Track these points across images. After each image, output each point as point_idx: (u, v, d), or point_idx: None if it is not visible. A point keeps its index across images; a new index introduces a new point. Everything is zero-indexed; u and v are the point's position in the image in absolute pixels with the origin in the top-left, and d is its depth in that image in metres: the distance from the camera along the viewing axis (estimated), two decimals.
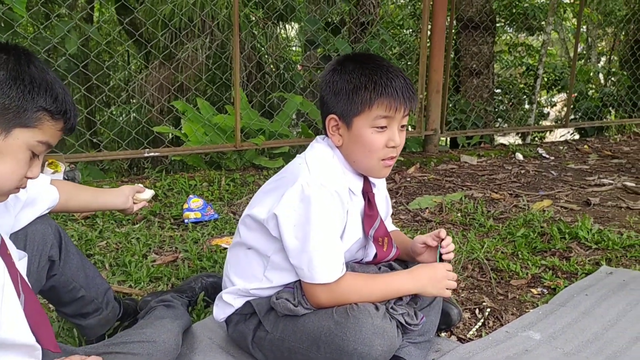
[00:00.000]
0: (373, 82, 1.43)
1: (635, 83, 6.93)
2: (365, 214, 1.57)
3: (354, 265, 1.59)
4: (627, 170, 4.16)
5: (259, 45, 4.75)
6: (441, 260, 1.58)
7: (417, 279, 1.50)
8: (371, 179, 1.60)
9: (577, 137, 6.85)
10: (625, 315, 1.83)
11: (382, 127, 1.45)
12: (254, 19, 4.70)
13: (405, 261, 1.75)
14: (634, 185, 3.64)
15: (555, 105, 9.90)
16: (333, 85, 1.48)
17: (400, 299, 1.53)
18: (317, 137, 1.59)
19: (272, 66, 5.03)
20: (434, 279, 1.50)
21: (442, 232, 1.59)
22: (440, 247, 1.59)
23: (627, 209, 3.15)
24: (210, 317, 1.77)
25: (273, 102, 4.32)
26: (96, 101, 4.36)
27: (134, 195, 1.75)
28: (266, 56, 5.20)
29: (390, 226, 1.86)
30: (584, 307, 1.89)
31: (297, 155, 1.57)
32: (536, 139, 7.80)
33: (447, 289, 1.51)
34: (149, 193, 1.85)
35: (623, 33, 8.55)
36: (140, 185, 1.82)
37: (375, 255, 1.61)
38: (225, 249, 2.44)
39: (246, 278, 1.56)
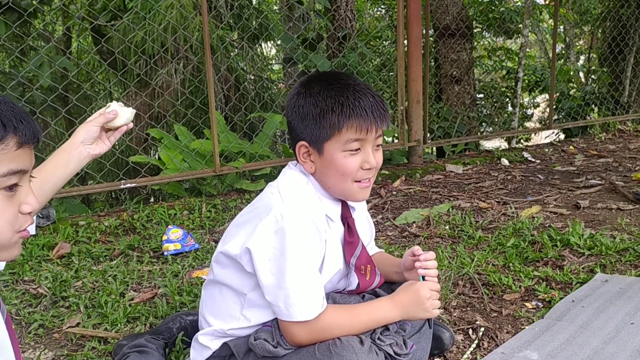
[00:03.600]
0: (340, 104, 1.34)
1: (615, 80, 6.94)
2: (346, 241, 1.49)
3: (335, 296, 1.50)
4: (614, 169, 4.11)
5: (235, 66, 4.68)
6: (424, 278, 1.49)
7: (400, 305, 1.42)
8: (350, 202, 1.52)
9: (562, 137, 6.83)
10: (624, 326, 1.75)
11: (355, 150, 1.37)
12: (227, 40, 4.63)
13: (393, 283, 1.67)
14: (622, 184, 3.59)
15: (538, 106, 9.92)
16: (299, 110, 1.40)
17: (387, 328, 1.44)
18: (290, 162, 1.51)
19: (250, 86, 4.96)
20: (417, 301, 1.41)
21: (416, 249, 1.50)
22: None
23: (617, 210, 3.08)
24: None
25: (252, 123, 4.24)
26: (67, 134, 4.25)
27: (105, 127, 1.46)
28: (244, 76, 5.14)
29: (374, 249, 1.77)
30: (582, 321, 1.81)
31: (269, 184, 1.49)
32: (522, 141, 7.77)
33: (434, 309, 1.43)
34: (125, 113, 1.45)
35: (600, 31, 8.59)
36: (110, 108, 1.43)
37: (358, 285, 1.53)
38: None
39: (222, 318, 1.46)
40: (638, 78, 6.80)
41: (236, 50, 4.84)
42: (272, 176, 3.92)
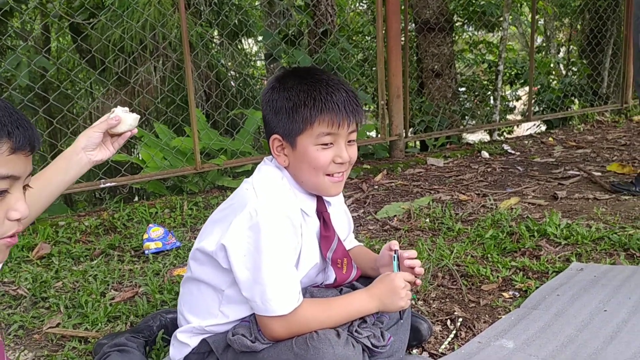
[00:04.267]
0: (312, 98, 1.36)
1: (594, 71, 7.03)
2: (322, 236, 1.50)
3: (313, 290, 1.52)
4: (592, 160, 4.17)
5: (214, 63, 4.66)
6: (399, 269, 1.51)
7: (376, 296, 1.44)
8: (325, 197, 1.53)
9: (543, 129, 6.90)
10: (598, 313, 1.79)
11: (327, 144, 1.38)
12: (207, 37, 4.61)
13: (370, 278, 1.69)
14: (600, 174, 3.65)
15: (520, 98, 10.01)
16: (273, 104, 1.41)
17: (364, 320, 1.46)
18: (265, 158, 1.52)
19: (231, 83, 4.94)
20: (392, 291, 1.43)
21: (393, 244, 1.54)
22: (396, 256, 1.52)
23: (594, 200, 3.14)
24: (167, 358, 1.67)
25: (233, 120, 4.23)
26: (59, 136, 4.22)
27: (110, 132, 1.44)
28: (225, 73, 5.12)
29: (353, 242, 1.79)
30: (556, 309, 1.84)
31: (244, 180, 1.50)
32: (504, 134, 7.84)
33: (408, 299, 1.45)
34: (129, 119, 1.43)
35: (579, 23, 8.69)
36: (113, 114, 1.40)
37: (335, 279, 1.54)
38: None
39: (200, 315, 1.47)
40: (615, 69, 6.89)
41: (216, 47, 4.83)
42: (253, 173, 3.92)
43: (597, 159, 4.19)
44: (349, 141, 1.43)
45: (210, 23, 4.62)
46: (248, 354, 1.37)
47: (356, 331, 1.41)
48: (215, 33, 4.83)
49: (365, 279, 1.66)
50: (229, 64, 5.12)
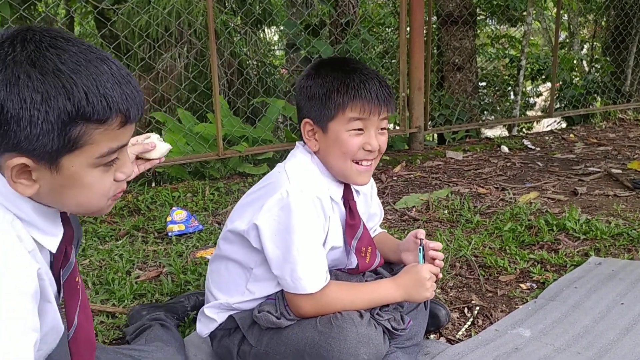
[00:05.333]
0: (346, 85, 1.41)
1: (617, 69, 6.95)
2: (347, 224, 1.54)
3: (338, 273, 1.56)
4: (613, 157, 4.15)
5: (238, 51, 4.71)
6: (424, 261, 1.55)
7: (402, 286, 1.48)
8: (354, 187, 1.56)
9: (564, 125, 6.86)
10: (615, 306, 1.81)
11: (358, 130, 1.43)
12: (231, 25, 4.65)
13: (392, 264, 1.73)
14: (620, 172, 3.64)
15: (540, 94, 9.92)
16: (307, 90, 1.46)
17: (386, 304, 1.50)
18: (297, 143, 1.56)
19: (253, 71, 4.99)
20: (418, 282, 1.47)
21: (420, 233, 1.57)
22: (422, 247, 1.56)
23: (614, 196, 3.13)
24: (194, 333, 1.73)
25: (255, 108, 4.28)
26: None
27: (140, 155, 1.41)
28: (247, 61, 5.16)
29: (378, 230, 1.83)
30: (574, 301, 1.87)
31: (277, 164, 1.54)
32: (523, 130, 7.79)
33: (433, 290, 1.49)
34: (162, 149, 1.42)
35: (604, 19, 8.58)
36: (149, 139, 1.39)
37: (357, 266, 1.58)
38: None
39: (228, 292, 1.53)
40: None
41: (239, 35, 4.87)
42: (274, 160, 3.97)
43: (618, 157, 4.17)
44: (381, 129, 1.47)
45: (234, 11, 4.66)
46: (273, 331, 1.42)
47: (377, 314, 1.46)
48: (239, 21, 4.87)
49: (387, 265, 1.71)
50: (251, 53, 5.16)
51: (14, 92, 0.81)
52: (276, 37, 8.14)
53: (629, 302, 1.83)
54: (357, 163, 1.46)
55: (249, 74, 4.73)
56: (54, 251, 1.01)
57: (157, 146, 1.41)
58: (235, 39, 4.79)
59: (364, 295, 1.45)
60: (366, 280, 1.57)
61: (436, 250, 1.55)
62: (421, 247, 1.55)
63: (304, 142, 1.51)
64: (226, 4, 4.51)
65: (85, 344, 1.10)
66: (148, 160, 1.42)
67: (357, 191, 1.58)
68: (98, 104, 0.86)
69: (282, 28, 5.95)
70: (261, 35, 6.10)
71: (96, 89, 0.86)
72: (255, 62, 5.23)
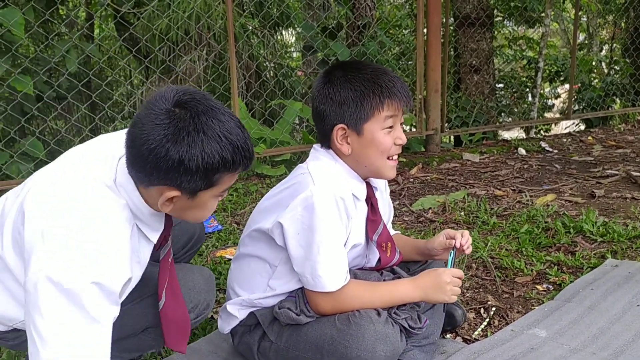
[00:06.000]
0: (379, 85, 1.46)
1: (637, 71, 6.88)
2: (369, 219, 1.58)
3: (357, 272, 1.60)
4: (631, 160, 4.13)
5: (256, 54, 4.77)
6: (452, 265, 1.57)
7: (421, 287, 1.50)
8: (373, 183, 1.61)
9: (582, 127, 6.81)
10: (631, 308, 1.82)
11: (390, 127, 1.49)
12: (250, 28, 4.72)
13: (408, 263, 1.76)
14: (639, 174, 3.62)
15: (559, 96, 9.84)
16: (335, 97, 1.48)
17: (403, 303, 1.53)
18: (315, 146, 1.59)
19: (270, 74, 5.05)
20: (438, 285, 1.50)
21: (457, 237, 1.59)
22: (455, 249, 1.58)
23: (632, 199, 3.12)
24: (215, 332, 1.78)
25: (273, 110, 4.33)
26: (97, 119, 4.39)
27: None
28: (265, 64, 5.22)
29: (391, 230, 1.86)
30: (590, 302, 1.88)
31: (299, 166, 1.57)
32: (541, 132, 7.75)
33: (452, 295, 1.50)
34: None
35: (623, 21, 8.49)
36: None
37: (379, 260, 1.62)
38: (230, 260, 2.45)
39: (249, 289, 1.57)
40: None
41: (258, 38, 4.93)
42: (291, 162, 4.02)
43: (636, 159, 4.14)
44: (401, 124, 1.52)
45: (252, 14, 4.72)
46: (293, 327, 1.46)
47: (395, 313, 1.49)
48: (257, 24, 4.93)
49: (404, 265, 1.74)
50: (270, 55, 5.22)
51: (191, 151, 1.13)
52: (293, 39, 8.20)
53: None
54: (388, 158, 1.51)
55: (267, 77, 4.78)
56: (154, 241, 1.33)
57: None
58: (253, 41, 4.85)
59: (382, 294, 1.48)
60: (384, 280, 1.60)
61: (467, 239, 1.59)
62: (453, 252, 1.57)
63: (327, 146, 1.53)
64: (245, 8, 4.57)
65: (174, 320, 1.37)
66: None
67: (375, 187, 1.62)
68: (238, 160, 1.20)
69: (299, 30, 6.00)
70: (279, 37, 6.16)
71: (239, 150, 1.19)
72: (272, 65, 5.28)
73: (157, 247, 1.36)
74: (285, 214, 1.42)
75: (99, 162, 1.27)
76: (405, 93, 1.49)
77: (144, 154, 1.14)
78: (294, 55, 8.51)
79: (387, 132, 1.48)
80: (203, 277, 1.54)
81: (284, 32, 7.57)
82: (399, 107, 1.48)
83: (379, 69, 1.51)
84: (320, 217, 1.39)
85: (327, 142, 1.53)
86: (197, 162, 1.14)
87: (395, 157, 1.53)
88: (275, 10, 4.90)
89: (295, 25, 5.37)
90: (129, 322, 1.33)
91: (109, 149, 1.30)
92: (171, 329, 1.38)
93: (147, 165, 1.15)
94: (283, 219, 1.42)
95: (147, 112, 1.15)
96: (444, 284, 1.49)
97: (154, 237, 1.33)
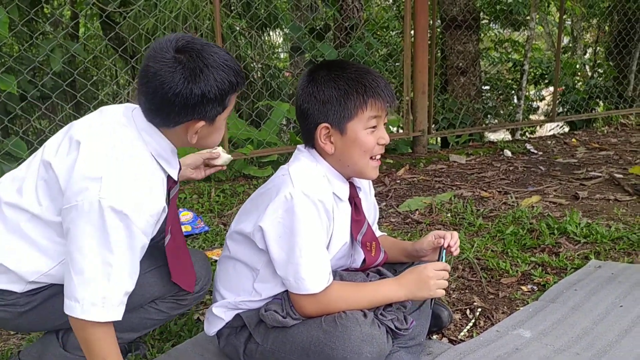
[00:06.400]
0: (362, 84, 1.47)
1: (620, 74, 6.98)
2: (353, 219, 1.59)
3: (342, 274, 1.60)
4: (614, 162, 4.19)
5: (244, 55, 4.76)
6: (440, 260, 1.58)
7: (405, 285, 1.51)
8: (356, 183, 1.61)
9: (566, 130, 6.88)
10: (614, 308, 1.85)
11: (373, 127, 1.49)
12: (237, 28, 4.70)
13: (395, 264, 1.77)
14: (621, 177, 3.67)
15: (543, 99, 9.95)
16: (319, 95, 1.49)
17: (389, 304, 1.54)
18: (298, 146, 1.60)
19: (258, 74, 5.03)
20: (421, 281, 1.50)
21: (447, 238, 1.60)
22: (443, 247, 1.59)
23: (615, 201, 3.17)
24: (201, 334, 1.77)
25: (260, 111, 4.32)
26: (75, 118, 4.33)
27: (206, 161, 1.81)
28: (252, 65, 5.21)
29: (377, 232, 1.86)
30: (574, 303, 1.91)
31: (281, 167, 1.58)
32: (526, 133, 7.82)
33: (438, 288, 1.51)
34: (224, 158, 1.82)
35: (607, 24, 8.60)
36: (216, 150, 1.79)
37: (364, 261, 1.62)
38: (217, 261, 2.43)
39: (235, 291, 1.57)
40: None
41: (245, 39, 4.92)
42: (279, 163, 4.01)
43: (619, 162, 4.20)
44: (384, 124, 1.53)
45: (240, 15, 4.71)
46: (279, 329, 1.46)
47: (381, 314, 1.49)
48: (244, 24, 4.92)
49: (390, 266, 1.74)
50: (258, 56, 5.20)
51: (209, 84, 1.33)
52: (280, 40, 8.19)
53: (627, 304, 1.86)
54: (371, 158, 1.52)
55: (254, 77, 4.77)
56: (175, 178, 1.50)
57: (221, 155, 1.81)
58: (240, 42, 4.84)
59: (367, 294, 1.48)
60: (370, 281, 1.61)
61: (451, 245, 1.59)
62: (444, 251, 1.58)
63: (311, 146, 1.54)
64: (232, 8, 4.55)
65: (177, 249, 1.53)
66: (213, 166, 1.82)
67: (359, 187, 1.63)
68: (240, 81, 1.40)
69: (286, 31, 6.00)
70: (266, 38, 6.15)
71: (238, 72, 1.38)
72: (260, 66, 5.27)
73: (169, 188, 1.48)
74: (265, 217, 1.42)
75: (116, 116, 1.43)
76: (389, 93, 1.50)
77: (171, 99, 1.31)
78: (282, 56, 8.50)
79: (370, 131, 1.49)
80: (200, 256, 1.71)
81: (271, 33, 7.56)
82: (382, 107, 1.49)
83: (363, 69, 1.52)
84: (301, 220, 1.39)
85: (311, 142, 1.54)
86: (215, 91, 1.33)
87: (378, 157, 1.54)
88: (262, 11, 4.89)
89: (283, 26, 5.37)
90: (139, 292, 1.42)
91: (113, 111, 1.46)
92: (176, 266, 1.53)
93: (175, 108, 1.33)
94: (263, 223, 1.42)
95: (157, 64, 1.31)
96: (427, 278, 1.49)
97: (174, 174, 1.49)
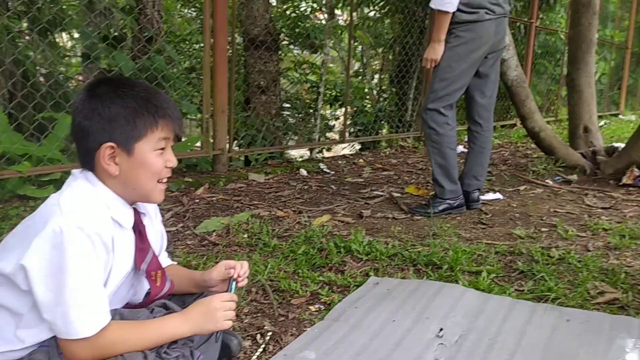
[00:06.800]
0: (153, 105, 1.41)
1: (400, 100, 7.85)
2: (137, 248, 1.49)
3: (123, 312, 1.49)
4: (394, 182, 4.66)
5: (23, 59, 4.24)
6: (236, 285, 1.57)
7: (191, 319, 1.46)
8: (140, 209, 1.53)
9: (358, 148, 7.51)
10: (388, 324, 2.03)
11: (161, 149, 1.45)
12: (15, 29, 4.18)
13: (184, 296, 1.71)
14: (399, 195, 4.10)
15: (339, 118, 10.73)
16: (104, 112, 1.38)
17: (174, 340, 1.48)
18: (73, 171, 1.46)
19: (40, 81, 4.53)
20: (208, 313, 1.47)
21: (238, 268, 1.60)
22: (233, 278, 1.57)
23: (393, 219, 3.52)
24: None
25: (41, 123, 3.88)
26: None
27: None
28: (34, 70, 4.67)
29: (167, 261, 1.79)
30: (354, 320, 2.05)
31: (50, 196, 1.42)
32: (323, 151, 8.33)
33: (225, 320, 1.50)
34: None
35: (390, 54, 9.61)
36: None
37: (148, 293, 1.54)
38: None
39: None
40: (418, 100, 7.77)
41: (25, 42, 4.40)
42: (62, 182, 3.62)
43: (398, 181, 4.69)
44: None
45: (19, 15, 4.20)
46: None
47: (165, 352, 1.42)
48: (25, 26, 4.41)
49: (179, 298, 1.68)
50: (40, 61, 4.69)
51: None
52: (69, 45, 7.52)
53: (399, 318, 2.07)
54: (158, 182, 1.47)
55: (36, 85, 4.29)
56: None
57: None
58: (20, 46, 4.32)
59: (149, 333, 1.40)
60: (155, 317, 1.53)
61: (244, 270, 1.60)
62: (234, 283, 1.56)
63: (89, 168, 1.42)
64: (9, 7, 4.04)
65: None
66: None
67: (143, 213, 1.55)
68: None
69: (73, 36, 5.53)
70: (57, 40, 5.60)
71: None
72: (44, 71, 4.76)
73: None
74: (29, 254, 1.26)
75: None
76: (178, 116, 1.48)
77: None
78: (73, 60, 7.81)
79: (158, 153, 1.44)
80: None
81: (63, 36, 6.90)
82: (171, 130, 1.46)
83: (151, 89, 1.47)
84: (72, 256, 1.26)
85: (89, 163, 1.42)
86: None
87: (165, 180, 1.50)
88: (47, 12, 4.43)
89: (72, 31, 4.93)
90: None
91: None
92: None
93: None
94: (26, 261, 1.26)
95: None
96: (214, 310, 1.46)
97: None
